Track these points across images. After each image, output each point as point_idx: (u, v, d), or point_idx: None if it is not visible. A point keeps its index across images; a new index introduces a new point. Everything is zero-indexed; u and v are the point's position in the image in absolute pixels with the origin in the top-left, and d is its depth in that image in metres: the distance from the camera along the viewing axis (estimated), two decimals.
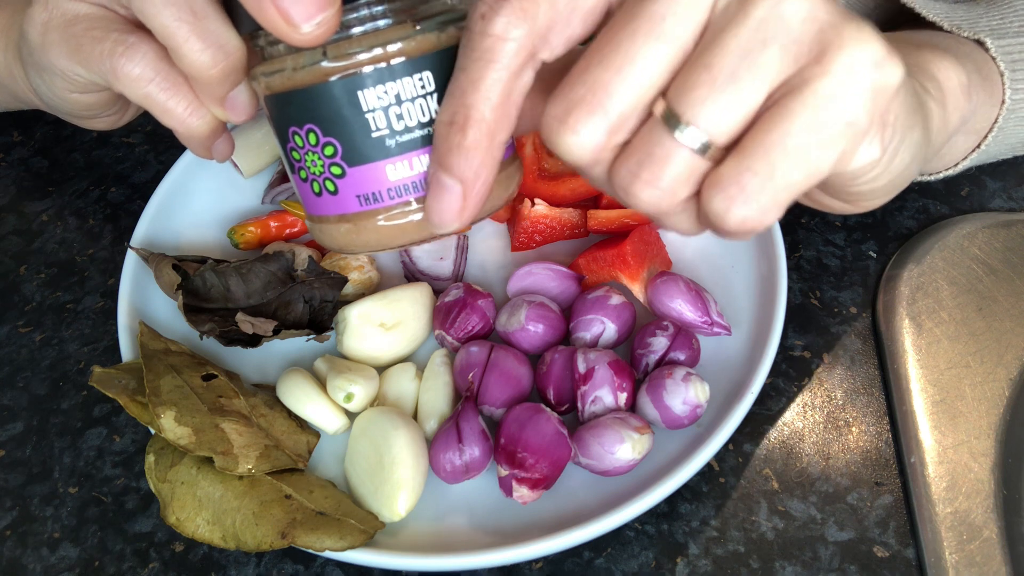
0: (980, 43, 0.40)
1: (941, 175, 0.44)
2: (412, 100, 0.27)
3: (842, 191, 0.29)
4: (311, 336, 0.45)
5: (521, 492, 0.38)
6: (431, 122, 0.28)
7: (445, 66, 0.28)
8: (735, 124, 0.25)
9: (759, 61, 0.24)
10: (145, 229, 0.50)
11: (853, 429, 0.43)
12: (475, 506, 0.40)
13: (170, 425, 0.38)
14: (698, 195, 0.26)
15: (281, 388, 0.42)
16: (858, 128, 0.24)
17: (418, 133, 0.28)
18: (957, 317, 0.45)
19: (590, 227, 0.47)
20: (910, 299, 0.46)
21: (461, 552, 0.37)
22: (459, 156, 0.26)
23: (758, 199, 0.24)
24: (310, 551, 0.37)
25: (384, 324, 0.44)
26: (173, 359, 0.42)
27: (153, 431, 0.40)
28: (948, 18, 0.40)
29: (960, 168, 0.43)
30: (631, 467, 0.38)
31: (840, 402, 0.44)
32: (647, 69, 0.25)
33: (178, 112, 0.34)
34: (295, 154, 0.29)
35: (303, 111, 0.28)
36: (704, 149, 0.25)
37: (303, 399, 0.42)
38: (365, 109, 0.27)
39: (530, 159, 0.48)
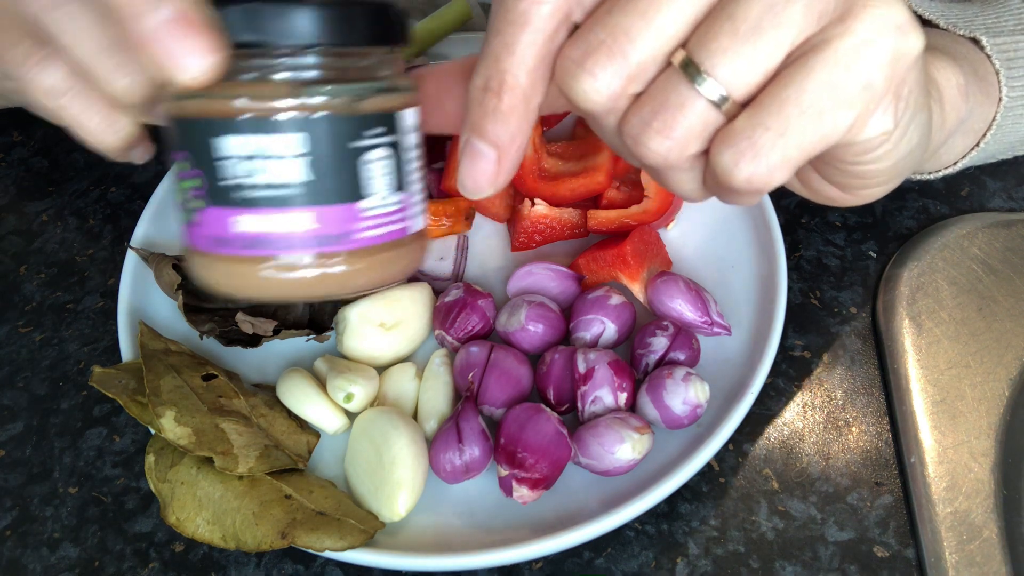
0: (975, 41, 0.40)
1: (941, 173, 0.44)
2: (280, 159, 0.26)
3: (847, 168, 0.29)
4: (311, 336, 0.45)
5: (521, 492, 0.38)
6: (291, 185, 0.27)
7: (321, 132, 0.27)
8: (754, 78, 0.24)
9: (783, 15, 0.24)
10: (145, 229, 0.50)
11: (853, 429, 0.43)
12: (475, 506, 0.40)
13: (170, 425, 0.38)
14: (707, 153, 0.26)
15: (281, 388, 0.42)
16: (875, 92, 0.24)
17: (272, 193, 0.27)
18: (957, 317, 0.45)
19: (590, 227, 0.47)
20: (910, 299, 0.46)
21: (461, 552, 0.37)
22: (495, 121, 0.26)
23: (768, 156, 0.24)
24: (310, 551, 0.37)
25: (384, 324, 0.43)
26: (173, 359, 0.42)
27: (153, 431, 0.40)
28: (944, 16, 0.40)
29: (960, 166, 0.43)
30: (631, 467, 0.39)
31: (840, 402, 0.44)
32: (672, 17, 0.24)
33: (91, 126, 0.32)
34: (173, 176, 0.29)
35: (181, 138, 0.27)
36: (721, 102, 0.25)
37: (303, 399, 0.42)
38: (225, 155, 0.26)
39: (530, 159, 0.48)
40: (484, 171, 0.27)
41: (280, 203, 0.27)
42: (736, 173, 0.25)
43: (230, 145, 0.26)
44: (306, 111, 0.26)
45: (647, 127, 0.25)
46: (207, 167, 0.27)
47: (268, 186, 0.27)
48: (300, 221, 0.27)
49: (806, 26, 0.24)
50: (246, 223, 0.27)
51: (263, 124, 0.26)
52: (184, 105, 0.27)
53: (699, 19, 0.25)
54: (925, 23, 0.41)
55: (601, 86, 0.25)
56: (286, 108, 0.26)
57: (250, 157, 0.26)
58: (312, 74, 0.27)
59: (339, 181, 0.27)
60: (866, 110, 0.25)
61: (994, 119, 0.40)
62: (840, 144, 0.26)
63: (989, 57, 0.39)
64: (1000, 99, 0.40)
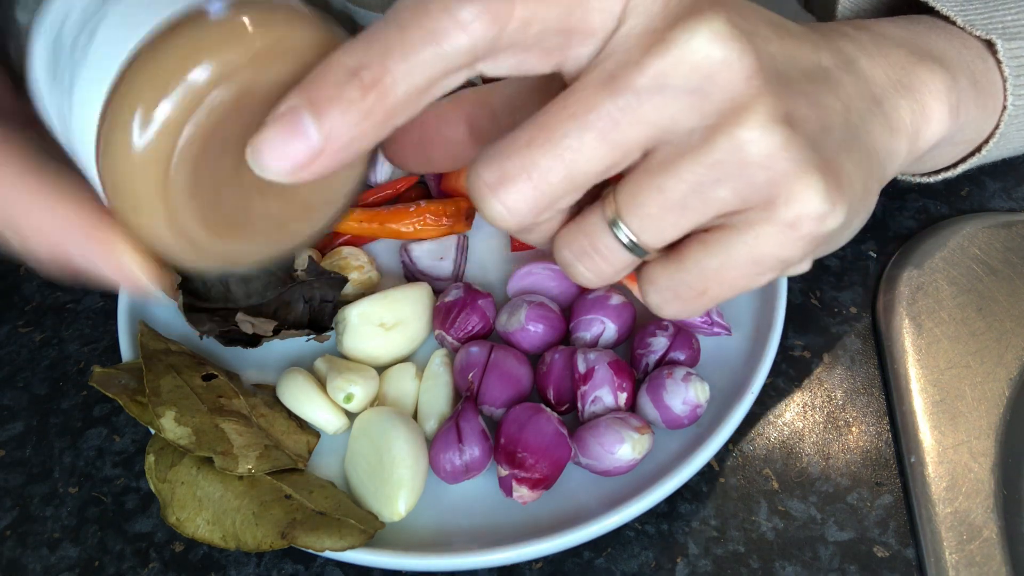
0: (990, 44, 0.38)
1: (940, 176, 0.43)
2: None
3: None
4: (311, 336, 0.45)
5: (521, 492, 0.38)
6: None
7: None
8: (675, 237, 0.26)
9: (710, 195, 0.25)
10: None
11: (853, 429, 0.43)
12: (475, 506, 0.40)
13: (170, 425, 0.39)
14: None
15: (281, 388, 0.42)
16: (792, 262, 0.27)
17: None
18: (957, 317, 0.45)
19: None
20: (910, 299, 0.46)
21: (461, 552, 0.37)
22: (343, 112, 0.22)
23: (692, 305, 0.27)
24: (310, 551, 0.37)
25: (384, 324, 0.44)
26: (173, 359, 0.42)
27: (153, 431, 0.40)
28: (962, 11, 0.38)
29: (960, 170, 0.42)
30: (631, 467, 0.39)
31: (840, 402, 0.44)
32: (588, 168, 0.25)
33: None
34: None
35: None
36: (643, 253, 0.27)
37: (303, 399, 0.42)
38: None
39: None
40: (293, 153, 0.22)
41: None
42: (663, 311, 0.28)
43: None
44: None
45: (575, 263, 0.27)
46: None
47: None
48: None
49: (732, 204, 0.25)
50: None
51: None
52: None
53: (615, 169, 0.25)
54: (942, 19, 0.40)
55: (511, 216, 0.25)
56: None
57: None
58: None
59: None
60: (782, 272, 0.27)
61: (997, 127, 0.39)
62: None
63: (1000, 63, 0.38)
64: (1004, 107, 0.39)
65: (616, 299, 0.43)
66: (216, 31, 0.22)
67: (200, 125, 0.22)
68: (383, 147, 0.30)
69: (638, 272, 0.28)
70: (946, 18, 0.38)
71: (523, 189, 0.24)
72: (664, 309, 0.28)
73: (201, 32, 0.22)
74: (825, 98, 0.28)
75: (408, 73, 0.22)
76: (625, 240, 0.26)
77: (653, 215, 0.25)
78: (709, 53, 0.24)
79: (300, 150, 0.22)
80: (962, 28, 0.38)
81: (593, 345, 0.43)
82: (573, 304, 0.44)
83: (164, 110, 0.22)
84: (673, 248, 0.27)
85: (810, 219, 0.25)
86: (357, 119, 0.22)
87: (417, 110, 0.23)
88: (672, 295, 0.27)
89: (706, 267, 0.26)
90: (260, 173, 0.23)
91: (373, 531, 0.37)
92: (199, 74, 0.22)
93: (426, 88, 0.23)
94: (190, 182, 0.23)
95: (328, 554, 0.37)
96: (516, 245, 0.48)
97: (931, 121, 0.34)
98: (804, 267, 0.28)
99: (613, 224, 0.26)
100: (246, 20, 0.22)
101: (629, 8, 0.25)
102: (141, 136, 0.22)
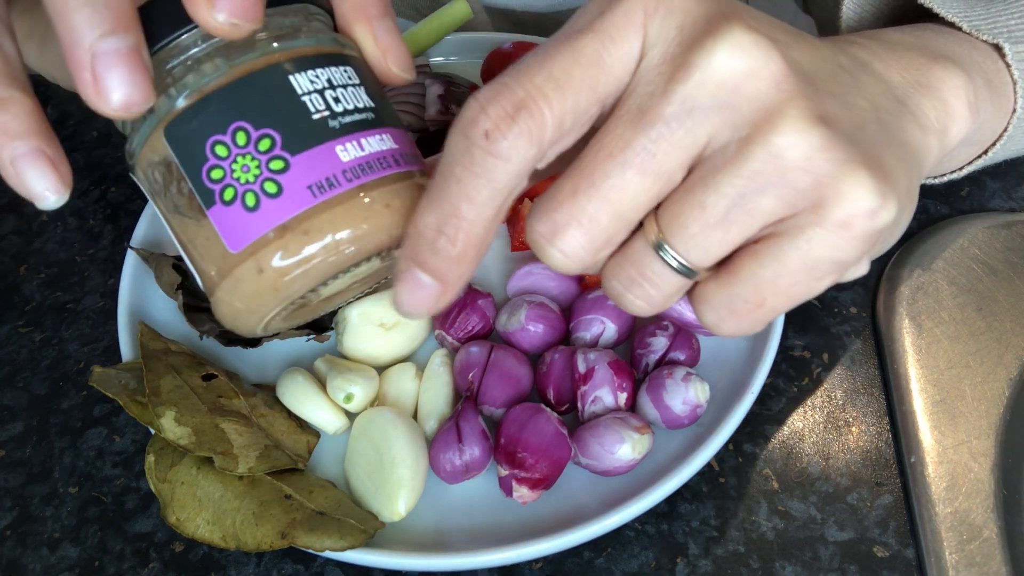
0: (997, 48, 0.39)
1: (946, 178, 0.43)
2: (344, 87, 0.28)
3: None
4: (311, 336, 0.45)
5: (521, 492, 0.38)
6: (367, 108, 0.28)
7: (359, 66, 0.29)
8: (724, 253, 0.26)
9: (754, 206, 0.25)
10: (145, 229, 0.50)
11: (853, 429, 0.43)
12: (475, 506, 0.40)
13: (170, 425, 0.39)
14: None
15: (281, 388, 0.42)
16: (848, 264, 0.26)
17: (359, 116, 0.28)
18: (957, 317, 0.45)
19: None
20: (910, 299, 0.46)
21: (461, 552, 0.37)
22: (445, 262, 0.26)
23: (749, 319, 0.27)
24: (310, 551, 0.37)
25: (384, 324, 0.44)
26: (173, 359, 0.42)
27: (153, 431, 0.40)
28: (967, 17, 0.39)
29: (965, 172, 0.43)
30: (631, 467, 0.39)
31: (840, 402, 0.44)
32: (635, 202, 0.25)
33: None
34: (215, 172, 0.27)
35: (226, 112, 0.26)
36: (692, 274, 0.27)
37: (303, 399, 0.42)
38: (301, 92, 0.27)
39: None
40: (424, 300, 0.27)
41: (367, 126, 0.28)
42: (721, 329, 0.27)
43: (308, 81, 0.27)
44: (346, 47, 0.29)
45: (626, 292, 0.27)
46: (280, 116, 0.27)
47: (347, 112, 0.27)
48: (386, 140, 0.28)
49: (778, 212, 0.25)
50: (350, 151, 0.27)
51: (327, 58, 0.28)
52: (240, 66, 0.27)
53: (662, 196, 0.26)
54: (947, 25, 0.40)
55: (571, 260, 0.26)
56: (343, 43, 0.29)
57: (322, 90, 0.27)
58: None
59: (386, 106, 0.29)
60: (840, 275, 0.27)
61: (1005, 130, 0.40)
62: None
63: (1009, 66, 0.38)
64: (1014, 110, 0.39)
65: None
66: (373, 212, 0.27)
67: (331, 266, 0.27)
68: None
69: (690, 294, 0.28)
70: (951, 25, 0.39)
71: (575, 236, 0.26)
72: (721, 327, 0.27)
73: (359, 208, 0.27)
74: (854, 98, 0.28)
75: (479, 213, 0.26)
76: (673, 263, 0.26)
77: (698, 233, 0.25)
78: (732, 67, 0.24)
79: (425, 297, 0.27)
80: (968, 33, 0.38)
81: (593, 345, 0.43)
82: (573, 304, 0.44)
83: (311, 249, 0.27)
84: (724, 264, 0.27)
85: (862, 216, 0.25)
86: (456, 261, 0.26)
87: (499, 223, 0.27)
88: (728, 312, 0.27)
89: (760, 278, 0.26)
90: (408, 318, 0.29)
91: (373, 531, 0.37)
92: (342, 235, 0.27)
93: (499, 212, 0.26)
94: (296, 302, 0.28)
95: (328, 554, 0.37)
96: (516, 245, 0.48)
97: (955, 118, 0.34)
98: (862, 269, 0.28)
99: (659, 248, 0.26)
100: (390, 206, 0.27)
101: (647, 44, 0.25)
102: (283, 260, 0.27)
